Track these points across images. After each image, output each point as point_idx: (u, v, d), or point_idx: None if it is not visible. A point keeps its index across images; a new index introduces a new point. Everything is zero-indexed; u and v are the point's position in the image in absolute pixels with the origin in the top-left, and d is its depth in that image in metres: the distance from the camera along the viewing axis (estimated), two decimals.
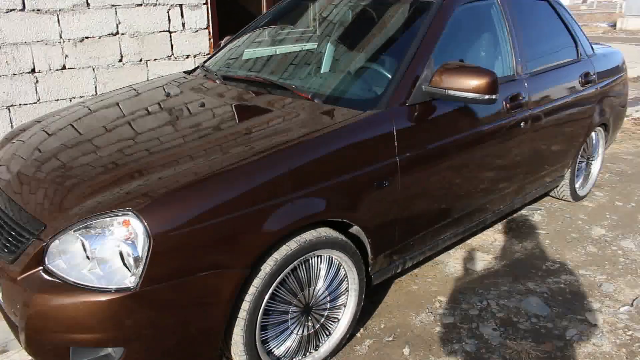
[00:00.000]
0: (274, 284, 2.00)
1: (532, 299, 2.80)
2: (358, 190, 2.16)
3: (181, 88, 2.87)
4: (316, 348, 2.31)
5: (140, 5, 4.12)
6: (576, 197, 3.98)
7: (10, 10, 3.58)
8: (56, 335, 1.73)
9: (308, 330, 2.24)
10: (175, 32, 4.37)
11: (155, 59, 4.30)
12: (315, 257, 2.16)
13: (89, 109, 2.74)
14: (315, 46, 3.30)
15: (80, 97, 3.99)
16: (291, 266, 2.04)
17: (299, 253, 2.03)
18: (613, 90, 3.92)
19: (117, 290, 1.68)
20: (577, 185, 3.94)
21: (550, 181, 3.58)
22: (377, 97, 2.38)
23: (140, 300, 1.70)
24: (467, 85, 2.30)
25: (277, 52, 3.38)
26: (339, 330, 2.36)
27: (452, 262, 3.17)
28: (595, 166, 4.15)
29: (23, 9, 3.63)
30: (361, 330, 2.55)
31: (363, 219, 2.22)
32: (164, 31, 4.31)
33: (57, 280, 1.72)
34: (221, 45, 3.52)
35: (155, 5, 4.19)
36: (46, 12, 3.72)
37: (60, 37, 3.81)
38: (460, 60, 2.71)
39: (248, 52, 3.28)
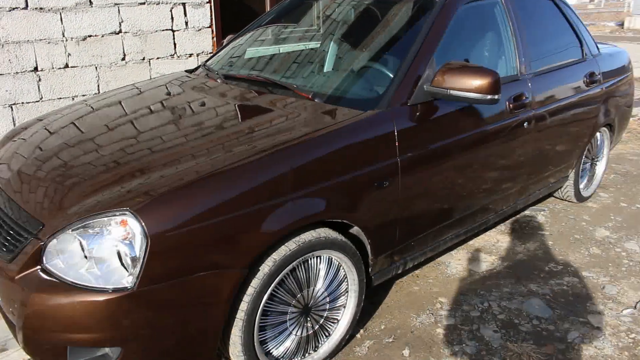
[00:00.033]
0: (273, 285, 1.99)
1: (534, 301, 2.78)
2: (358, 190, 2.15)
3: (182, 87, 2.87)
4: (315, 349, 2.30)
5: (143, 3, 4.12)
6: (580, 198, 3.95)
7: (13, 9, 3.59)
8: (53, 334, 1.73)
9: (307, 331, 2.23)
10: (178, 30, 4.37)
11: (158, 58, 4.30)
12: (315, 258, 2.15)
13: (91, 107, 2.74)
14: (319, 45, 3.29)
15: (83, 95, 3.99)
16: (290, 267, 2.03)
17: (298, 254, 2.02)
18: (619, 90, 3.89)
19: (115, 290, 1.68)
20: (581, 186, 3.91)
21: (554, 182, 3.55)
22: (378, 97, 2.37)
23: (137, 301, 1.69)
24: (469, 85, 2.28)
25: (280, 51, 3.37)
26: (338, 331, 2.35)
27: (454, 263, 3.16)
28: (600, 167, 4.12)
29: (26, 7, 3.63)
30: (361, 331, 2.53)
31: (363, 219, 2.21)
32: (167, 30, 4.30)
33: (54, 280, 1.72)
34: (224, 44, 3.51)
35: (158, 3, 4.19)
36: (49, 10, 3.72)
37: (63, 36, 3.81)
38: (463, 60, 2.69)
39: (250, 51, 3.27)
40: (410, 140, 2.31)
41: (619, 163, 4.95)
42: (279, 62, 3.17)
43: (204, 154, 1.99)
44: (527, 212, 3.85)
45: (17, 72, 3.69)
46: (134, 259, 1.69)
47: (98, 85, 4.05)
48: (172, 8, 4.28)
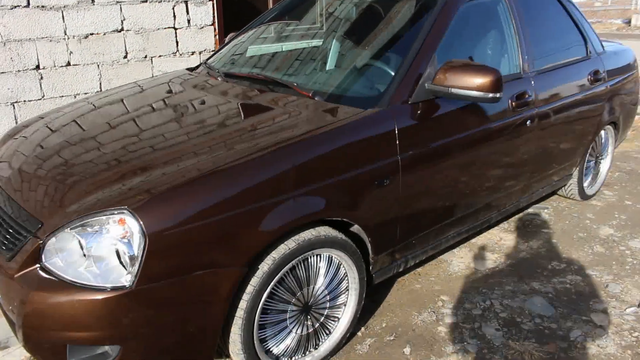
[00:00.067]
0: (272, 283, 1.98)
1: (536, 299, 2.77)
2: (359, 188, 2.14)
3: (184, 85, 2.86)
4: (316, 347, 2.29)
5: (145, 1, 4.11)
6: (584, 196, 3.92)
7: (15, 7, 3.59)
8: (53, 333, 1.73)
9: (307, 329, 2.23)
10: (180, 28, 4.36)
11: (160, 56, 4.29)
12: (315, 256, 2.14)
13: (93, 105, 2.74)
14: (321, 43, 3.27)
15: (85, 93, 4.00)
16: (290, 265, 2.02)
17: (298, 252, 2.01)
18: (623, 88, 3.86)
19: (113, 289, 1.68)
20: (585, 184, 3.88)
21: (557, 180, 3.53)
22: (379, 95, 2.36)
23: (136, 299, 1.69)
24: (471, 84, 2.26)
25: (282, 49, 3.36)
26: (339, 329, 2.34)
27: (456, 260, 3.14)
28: (605, 165, 4.09)
29: (28, 6, 3.64)
30: (362, 329, 2.53)
31: (363, 217, 2.20)
32: (169, 27, 4.30)
33: (53, 278, 1.72)
34: (225, 42, 3.51)
35: (160, 1, 4.19)
36: (51, 8, 3.73)
37: (65, 34, 3.82)
38: (465, 58, 2.68)
39: (252, 49, 3.26)
40: (411, 139, 2.30)
41: (624, 161, 4.91)
42: (281, 60, 3.16)
43: (206, 151, 1.98)
44: (530, 210, 3.83)
45: (19, 70, 3.69)
46: (132, 258, 1.69)
47: (100, 83, 4.05)
48: (175, 6, 4.28)
